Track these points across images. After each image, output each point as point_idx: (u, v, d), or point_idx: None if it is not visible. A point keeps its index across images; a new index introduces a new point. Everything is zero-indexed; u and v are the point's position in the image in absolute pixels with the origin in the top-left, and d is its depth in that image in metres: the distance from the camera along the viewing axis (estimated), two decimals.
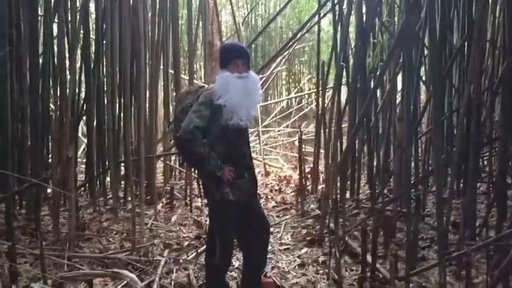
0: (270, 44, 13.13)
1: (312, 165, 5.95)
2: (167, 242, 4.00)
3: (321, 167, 6.03)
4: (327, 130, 5.20)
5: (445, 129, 4.95)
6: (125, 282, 2.99)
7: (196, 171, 3.05)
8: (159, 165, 6.58)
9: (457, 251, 3.34)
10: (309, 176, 6.04)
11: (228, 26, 12.93)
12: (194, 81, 6.71)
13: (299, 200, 5.06)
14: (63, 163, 4.20)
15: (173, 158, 6.86)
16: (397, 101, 5.60)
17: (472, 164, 3.66)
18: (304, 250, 3.92)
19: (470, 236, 3.63)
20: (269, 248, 3.88)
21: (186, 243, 4.04)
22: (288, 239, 4.26)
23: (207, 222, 4.59)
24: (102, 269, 3.35)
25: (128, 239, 4.01)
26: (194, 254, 3.73)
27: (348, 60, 5.14)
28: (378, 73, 4.75)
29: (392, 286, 2.86)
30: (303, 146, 5.62)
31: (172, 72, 6.73)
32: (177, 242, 4.03)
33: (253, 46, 11.02)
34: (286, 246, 4.04)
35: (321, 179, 6.02)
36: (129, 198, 5.00)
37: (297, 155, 8.82)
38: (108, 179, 5.36)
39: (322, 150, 5.85)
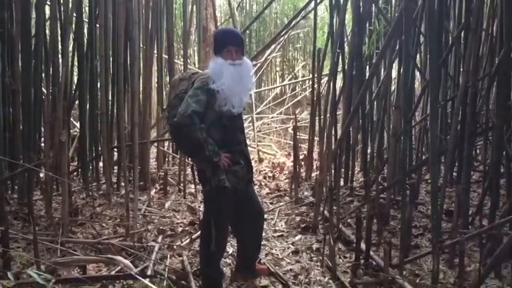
0: (265, 30, 13.04)
1: (306, 152, 5.95)
2: (161, 228, 3.99)
3: (315, 154, 6.04)
4: (321, 117, 5.19)
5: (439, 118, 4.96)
6: (119, 267, 2.98)
7: (190, 157, 3.03)
8: (152, 150, 6.55)
9: (450, 239, 3.36)
10: (303, 163, 6.04)
11: (222, 11, 12.80)
12: (188, 67, 6.66)
13: (293, 187, 5.06)
14: (56, 148, 4.17)
15: (166, 143, 6.83)
16: (392, 89, 5.60)
17: (466, 153, 3.67)
18: (298, 237, 3.93)
19: (463, 225, 3.65)
20: (263, 234, 3.90)
21: (180, 229, 4.03)
22: (282, 225, 4.27)
23: (201, 209, 4.60)
24: (96, 255, 3.34)
25: (121, 224, 4.00)
26: (188, 240, 3.73)
27: (343, 47, 5.11)
28: (374, 61, 4.73)
29: (386, 274, 2.88)
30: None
31: (166, 57, 6.67)
32: (171, 228, 4.02)
33: (247, 32, 10.93)
34: (280, 233, 4.05)
35: (315, 167, 6.03)
36: (123, 184, 4.97)
37: (290, 142, 8.83)
38: (100, 164, 5.32)
39: (316, 137, 5.85)
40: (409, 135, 4.30)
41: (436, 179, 3.06)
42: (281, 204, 4.94)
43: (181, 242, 3.69)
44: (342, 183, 4.97)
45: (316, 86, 5.30)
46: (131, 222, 3.87)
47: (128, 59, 4.90)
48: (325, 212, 4.09)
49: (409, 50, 3.44)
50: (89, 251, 3.46)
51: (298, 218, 4.36)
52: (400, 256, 3.11)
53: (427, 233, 3.83)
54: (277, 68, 14.13)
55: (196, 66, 9.95)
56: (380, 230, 3.71)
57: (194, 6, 7.66)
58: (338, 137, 4.79)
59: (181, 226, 4.11)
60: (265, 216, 4.45)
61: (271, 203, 5.04)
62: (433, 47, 2.86)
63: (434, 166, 3.10)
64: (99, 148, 5.17)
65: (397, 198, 4.48)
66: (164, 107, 6.42)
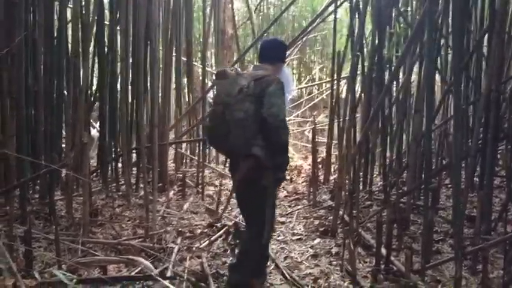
0: (282, 33, 13.02)
1: (324, 156, 5.92)
2: (180, 229, 4.00)
3: (333, 158, 6.00)
4: (340, 120, 5.16)
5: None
6: (139, 268, 2.99)
7: (274, 157, 3.02)
8: (170, 152, 6.58)
9: (472, 245, 3.31)
10: (321, 166, 6.01)
11: (240, 14, 12.83)
12: (206, 69, 6.68)
13: (311, 190, 5.03)
14: (77, 149, 4.21)
15: (184, 145, 6.86)
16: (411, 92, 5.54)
17: (489, 158, 3.61)
18: (316, 241, 3.90)
19: (485, 231, 3.60)
20: (281, 237, 3.91)
21: (198, 231, 4.04)
22: (300, 229, 4.24)
23: (219, 211, 4.60)
24: (116, 255, 3.36)
25: (140, 225, 4.02)
26: (207, 242, 3.73)
27: (363, 50, 5.07)
28: (395, 64, 4.70)
29: (407, 279, 2.85)
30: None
31: (185, 59, 6.70)
32: (190, 230, 4.03)
33: (264, 35, 10.93)
34: (298, 237, 4.02)
35: (333, 170, 6.00)
36: (142, 185, 5.01)
37: (306, 145, 8.80)
38: (120, 165, 5.36)
39: (334, 141, 5.81)
40: (429, 139, 4.24)
41: (458, 184, 3.02)
42: (299, 207, 4.92)
43: (200, 244, 3.69)
44: (360, 187, 4.93)
45: (335, 88, 5.27)
46: (150, 223, 3.88)
47: (148, 61, 4.93)
48: (344, 216, 4.06)
49: (432, 53, 3.40)
50: (109, 252, 3.49)
51: (316, 222, 4.33)
52: (422, 262, 3.07)
53: (448, 238, 3.78)
54: (294, 71, 14.10)
55: (214, 68, 9.98)
56: (400, 235, 3.67)
57: (213, 10, 7.69)
58: (357, 141, 4.75)
59: (199, 228, 4.12)
60: (283, 219, 4.47)
61: (289, 206, 5.02)
62: (456, 49, 2.82)
63: (457, 171, 3.06)
64: (119, 149, 5.22)
65: (417, 203, 4.43)
66: (184, 106, 6.45)
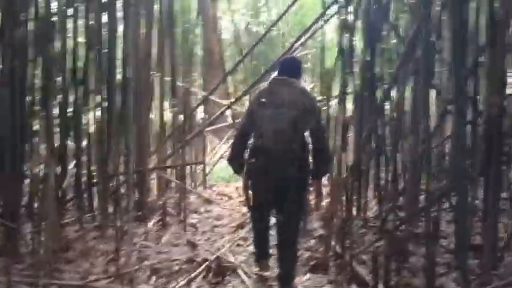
0: (272, 52, 12.84)
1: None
2: (156, 266, 3.62)
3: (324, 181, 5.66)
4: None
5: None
6: None
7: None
8: (153, 176, 6.21)
9: (479, 279, 2.97)
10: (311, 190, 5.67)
11: (229, 33, 12.65)
12: (192, 89, 6.38)
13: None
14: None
15: (168, 170, 6.48)
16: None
17: (493, 181, 3.29)
18: (307, 276, 3.52)
19: (491, 262, 3.25)
20: (269, 273, 3.56)
21: (176, 267, 3.65)
22: None
23: (200, 242, 4.21)
24: None
25: (113, 262, 3.65)
26: (185, 281, 3.36)
27: (352, 67, 4.79)
28: (388, 83, 4.42)
29: None
30: None
31: (169, 79, 6.39)
32: (167, 267, 3.65)
33: (254, 52, 10.70)
34: None
35: (324, 193, 5.64)
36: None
37: None
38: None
39: None
40: (429, 160, 3.92)
41: (464, 213, 2.70)
42: None
43: (177, 284, 3.32)
44: (354, 212, 4.57)
45: (325, 108, 4.97)
46: (122, 260, 3.50)
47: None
48: (337, 247, 3.71)
49: (429, 68, 3.12)
50: None
51: (307, 254, 3.94)
52: None
53: (451, 271, 3.42)
54: None
55: (201, 90, 9.69)
56: (399, 268, 3.31)
57: (200, 30, 7.47)
58: (350, 163, 4.43)
59: (177, 264, 3.73)
60: (271, 251, 4.10)
61: None
62: (458, 64, 2.53)
63: (462, 197, 2.73)
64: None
65: (416, 231, 4.08)
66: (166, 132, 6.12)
